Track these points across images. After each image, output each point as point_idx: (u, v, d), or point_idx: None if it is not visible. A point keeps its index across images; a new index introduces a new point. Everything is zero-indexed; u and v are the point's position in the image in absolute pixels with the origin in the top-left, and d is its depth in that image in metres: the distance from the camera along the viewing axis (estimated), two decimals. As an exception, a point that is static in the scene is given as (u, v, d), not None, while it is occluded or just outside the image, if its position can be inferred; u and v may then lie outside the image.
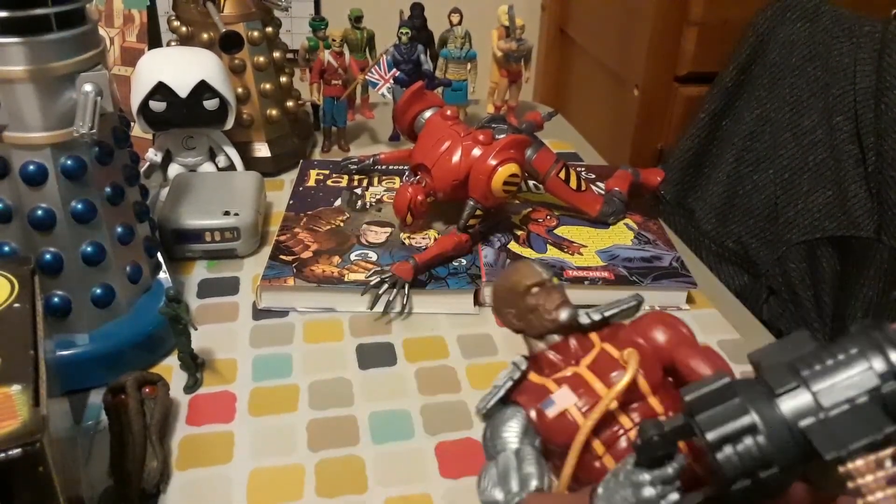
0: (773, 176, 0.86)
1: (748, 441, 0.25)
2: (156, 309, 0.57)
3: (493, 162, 0.68)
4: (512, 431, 0.32)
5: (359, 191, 0.82)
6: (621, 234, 0.75)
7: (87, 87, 0.51)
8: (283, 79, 0.89)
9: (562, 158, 0.77)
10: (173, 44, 0.86)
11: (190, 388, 0.56)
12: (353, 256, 0.69)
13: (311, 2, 1.67)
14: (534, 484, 0.30)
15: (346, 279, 0.66)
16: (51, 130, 0.51)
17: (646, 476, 0.26)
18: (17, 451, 0.31)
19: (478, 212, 0.70)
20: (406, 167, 0.83)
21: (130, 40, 0.92)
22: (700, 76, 1.18)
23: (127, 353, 0.57)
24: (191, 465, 0.50)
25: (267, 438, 0.53)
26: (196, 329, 0.56)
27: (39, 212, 0.52)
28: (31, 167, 0.51)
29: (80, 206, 0.53)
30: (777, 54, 0.85)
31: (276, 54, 0.88)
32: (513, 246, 0.72)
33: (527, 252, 0.71)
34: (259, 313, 0.65)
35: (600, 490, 0.27)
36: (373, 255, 0.70)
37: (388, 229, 0.74)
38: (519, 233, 0.74)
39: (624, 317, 0.34)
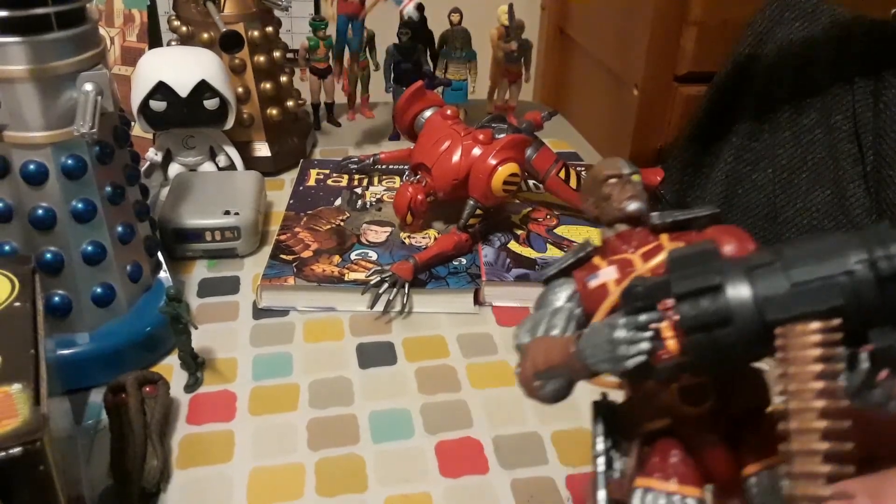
0: (772, 175, 0.86)
1: (710, 298, 0.26)
2: (156, 308, 0.57)
3: (493, 161, 0.68)
4: (559, 296, 0.35)
5: (359, 190, 0.82)
6: (621, 234, 0.75)
7: (88, 87, 0.51)
8: (283, 78, 0.89)
9: (562, 158, 0.77)
10: (173, 43, 0.86)
11: (190, 387, 0.57)
12: (353, 256, 0.69)
13: (311, 2, 1.67)
14: (554, 333, 0.33)
15: (346, 278, 0.66)
16: (51, 130, 0.52)
17: (621, 319, 0.28)
18: (17, 449, 0.31)
19: (478, 211, 0.70)
20: (406, 167, 0.83)
21: (131, 40, 0.93)
22: (700, 76, 1.18)
23: (127, 352, 0.57)
24: (191, 464, 0.50)
25: (267, 437, 0.53)
26: (196, 328, 0.56)
27: (40, 211, 0.52)
28: (32, 166, 0.51)
29: (80, 205, 0.53)
30: (775, 54, 0.85)
31: (276, 54, 0.88)
32: (513, 245, 0.72)
33: (527, 251, 0.71)
34: (259, 312, 0.65)
35: (587, 330, 0.29)
36: (373, 255, 0.70)
37: (388, 229, 0.74)
38: (519, 232, 0.75)
39: (698, 225, 0.35)
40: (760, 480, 0.29)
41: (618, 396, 0.34)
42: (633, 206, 0.35)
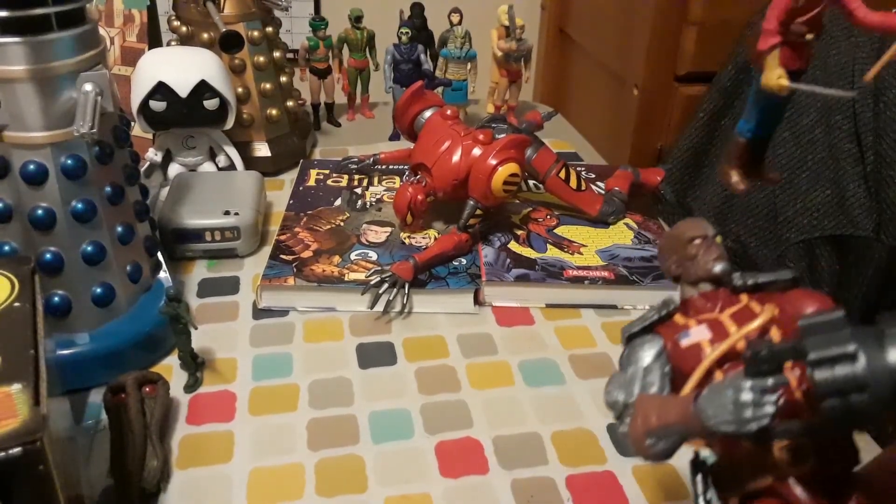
0: (773, 175, 0.86)
1: (846, 365, 0.27)
2: (156, 308, 0.57)
3: (493, 162, 0.68)
4: (646, 353, 0.35)
5: (359, 190, 0.82)
6: (621, 234, 0.75)
7: (88, 87, 0.51)
8: (283, 79, 0.89)
9: (562, 158, 0.77)
10: (173, 43, 0.86)
11: (190, 387, 0.57)
12: (353, 256, 0.69)
13: (311, 2, 1.67)
14: (652, 391, 0.34)
15: (346, 279, 0.66)
16: (51, 130, 0.52)
17: (747, 382, 0.28)
18: (17, 449, 0.31)
19: (478, 211, 0.70)
20: (406, 167, 0.83)
21: (130, 40, 0.93)
22: (699, 76, 1.18)
23: (127, 352, 0.57)
24: (191, 464, 0.50)
25: (267, 438, 0.53)
26: (196, 328, 0.56)
27: (39, 211, 0.52)
28: (32, 167, 0.51)
29: (80, 205, 0.53)
30: (776, 54, 0.85)
31: (276, 54, 0.88)
32: (513, 245, 0.72)
33: (527, 251, 0.71)
34: (259, 313, 0.65)
35: (705, 390, 0.30)
36: (373, 255, 0.70)
37: (388, 229, 0.74)
38: (519, 232, 0.74)
39: (778, 287, 0.36)
40: None
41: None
42: (719, 268, 0.36)
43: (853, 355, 0.27)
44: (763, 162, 0.60)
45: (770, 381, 0.28)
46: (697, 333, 0.34)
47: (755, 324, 0.33)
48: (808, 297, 0.34)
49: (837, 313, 0.28)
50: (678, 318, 0.36)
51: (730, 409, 0.28)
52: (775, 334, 0.34)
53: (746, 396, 0.28)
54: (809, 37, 0.56)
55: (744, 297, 0.36)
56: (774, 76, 0.54)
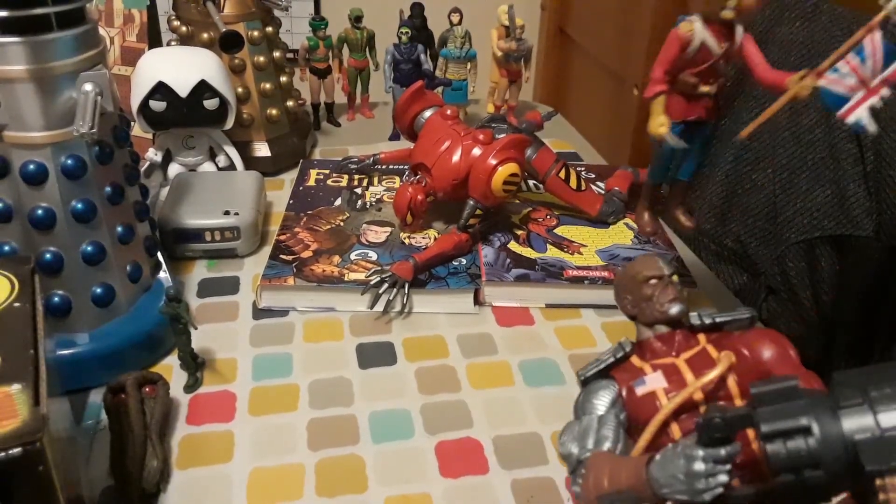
0: (772, 175, 0.86)
1: (800, 440, 0.26)
2: (156, 308, 0.57)
3: (493, 161, 0.68)
4: (601, 400, 0.35)
5: (359, 190, 0.82)
6: (621, 234, 0.75)
7: (88, 87, 0.51)
8: (283, 78, 0.89)
9: (562, 158, 0.77)
10: (173, 43, 0.86)
11: (190, 387, 0.57)
12: (353, 256, 0.69)
13: (311, 2, 1.67)
14: (606, 445, 0.33)
15: (346, 279, 0.66)
16: (51, 130, 0.52)
17: (700, 451, 0.28)
18: (17, 450, 0.31)
19: (478, 211, 0.70)
20: (406, 167, 0.83)
21: (130, 40, 0.93)
22: (700, 76, 1.18)
23: (127, 352, 0.57)
24: (191, 464, 0.50)
25: (267, 438, 0.53)
26: (196, 328, 0.56)
27: (39, 211, 0.52)
28: (32, 167, 0.51)
29: (80, 205, 0.53)
30: (776, 54, 0.85)
31: (276, 54, 0.88)
32: (513, 245, 0.72)
33: (527, 251, 0.71)
34: (259, 313, 0.65)
35: (657, 457, 0.29)
36: (373, 255, 0.70)
37: (388, 229, 0.74)
38: (519, 232, 0.74)
39: (735, 327, 0.36)
40: None
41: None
42: (675, 310, 0.35)
43: (807, 429, 0.26)
44: (682, 202, 0.60)
45: (723, 452, 0.27)
46: (653, 381, 0.34)
47: (712, 375, 0.32)
48: (766, 338, 0.33)
49: (790, 381, 0.27)
50: (634, 360, 0.35)
51: (682, 479, 0.28)
52: (732, 384, 0.33)
53: (699, 467, 0.27)
54: (705, 89, 0.56)
55: (701, 338, 0.35)
56: (656, 124, 0.54)
